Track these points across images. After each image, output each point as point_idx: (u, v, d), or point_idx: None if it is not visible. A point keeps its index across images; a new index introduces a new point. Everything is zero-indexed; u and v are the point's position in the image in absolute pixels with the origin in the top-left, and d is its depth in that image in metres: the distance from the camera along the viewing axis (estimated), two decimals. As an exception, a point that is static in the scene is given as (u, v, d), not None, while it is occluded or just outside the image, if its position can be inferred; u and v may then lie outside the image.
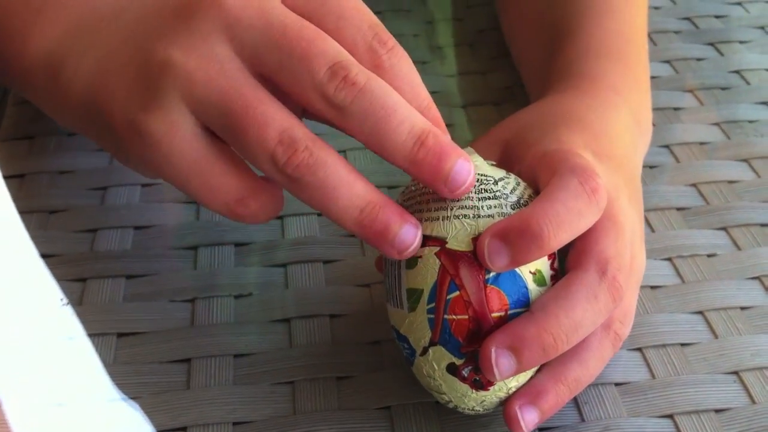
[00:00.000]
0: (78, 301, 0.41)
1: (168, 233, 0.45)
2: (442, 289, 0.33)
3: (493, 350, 0.32)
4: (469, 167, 0.33)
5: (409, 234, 0.33)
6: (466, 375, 0.34)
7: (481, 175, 0.34)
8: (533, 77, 0.51)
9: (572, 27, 0.49)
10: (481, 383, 0.34)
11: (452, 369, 0.34)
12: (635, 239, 0.37)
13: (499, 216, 0.33)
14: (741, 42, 0.61)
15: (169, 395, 0.37)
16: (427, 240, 0.33)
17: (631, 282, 0.36)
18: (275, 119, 0.32)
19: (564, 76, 0.46)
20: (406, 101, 0.33)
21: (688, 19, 0.64)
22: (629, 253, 0.35)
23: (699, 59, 0.60)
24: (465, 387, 0.34)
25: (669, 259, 0.44)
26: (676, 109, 0.55)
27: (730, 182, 0.49)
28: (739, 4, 0.66)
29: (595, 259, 0.34)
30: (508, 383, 0.34)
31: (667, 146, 0.51)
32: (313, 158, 0.32)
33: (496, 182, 0.34)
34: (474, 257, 0.33)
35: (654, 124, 0.53)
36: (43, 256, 0.44)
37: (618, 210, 0.36)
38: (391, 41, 0.34)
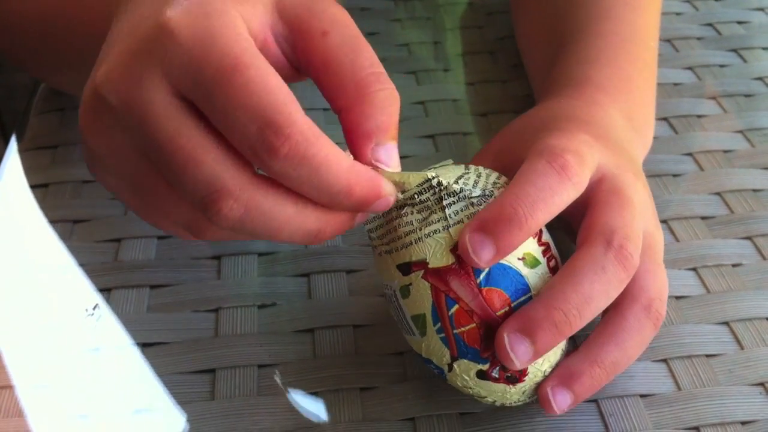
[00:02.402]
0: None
1: (191, 243, 0.45)
2: (442, 308, 0.33)
3: (505, 336, 0.32)
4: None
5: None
6: (497, 375, 0.34)
7: (438, 182, 0.33)
8: (536, 87, 0.52)
9: (569, 36, 0.49)
10: (515, 377, 0.34)
11: (482, 375, 0.34)
12: (648, 215, 0.37)
13: (467, 218, 0.33)
14: (764, 48, 0.61)
15: (193, 406, 0.37)
16: (410, 266, 0.33)
17: (655, 257, 0.36)
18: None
19: (555, 86, 0.46)
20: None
21: (710, 25, 0.64)
22: (641, 224, 0.35)
23: (722, 66, 0.59)
24: (501, 386, 0.34)
25: (694, 269, 0.44)
26: (698, 116, 0.54)
27: (755, 191, 0.48)
28: (762, 9, 0.65)
29: (599, 231, 0.34)
30: (540, 367, 0.34)
31: (690, 154, 0.51)
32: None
33: (456, 181, 0.34)
34: (459, 267, 0.33)
35: (676, 132, 0.53)
36: (67, 266, 0.44)
37: (623, 184, 0.36)
38: (285, 145, 0.29)
